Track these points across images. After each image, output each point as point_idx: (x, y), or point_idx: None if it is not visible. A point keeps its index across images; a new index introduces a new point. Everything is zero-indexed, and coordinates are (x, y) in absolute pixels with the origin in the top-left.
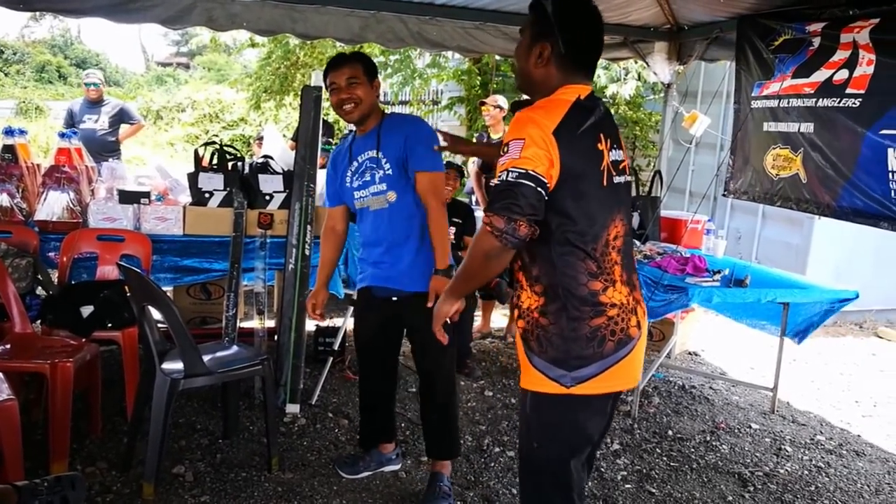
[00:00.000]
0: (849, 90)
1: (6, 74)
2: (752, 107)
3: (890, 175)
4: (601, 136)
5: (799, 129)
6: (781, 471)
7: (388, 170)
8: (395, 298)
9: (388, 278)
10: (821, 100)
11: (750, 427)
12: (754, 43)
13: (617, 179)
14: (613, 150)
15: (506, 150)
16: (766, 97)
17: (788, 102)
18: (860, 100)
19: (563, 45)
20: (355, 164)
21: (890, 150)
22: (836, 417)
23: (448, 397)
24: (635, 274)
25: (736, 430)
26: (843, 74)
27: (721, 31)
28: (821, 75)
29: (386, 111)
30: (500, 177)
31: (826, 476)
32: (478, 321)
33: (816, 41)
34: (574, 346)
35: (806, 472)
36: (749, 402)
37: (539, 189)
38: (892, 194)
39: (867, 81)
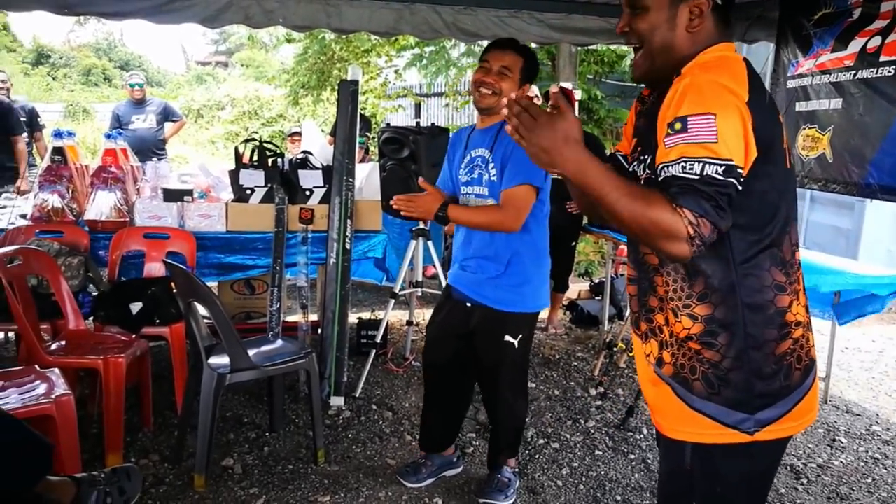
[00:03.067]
0: (882, 58)
1: (54, 79)
2: (788, 87)
3: None
4: (776, 103)
5: (829, 107)
6: (836, 462)
7: (493, 175)
8: (468, 304)
9: (467, 284)
10: (860, 72)
11: None
12: (796, 19)
13: (789, 164)
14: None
15: (681, 126)
16: (799, 76)
17: (819, 80)
18: (894, 67)
19: None
20: (468, 157)
21: None
22: (893, 407)
23: (507, 407)
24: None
25: None
26: (876, 41)
27: (763, 11)
28: (856, 45)
29: None
30: (687, 165)
31: (883, 468)
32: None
33: (857, 12)
34: (758, 381)
35: (862, 463)
36: None
37: (736, 182)
38: None
39: None
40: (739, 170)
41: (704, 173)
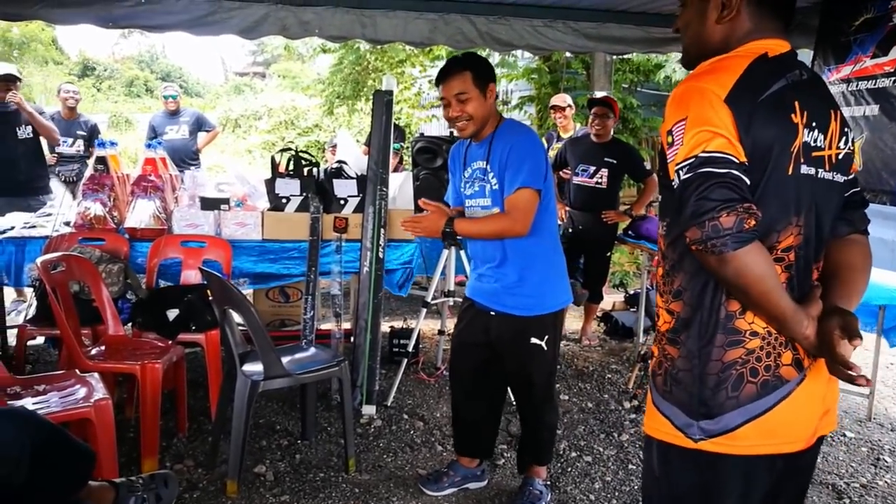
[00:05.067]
0: None
1: (99, 90)
2: None
3: None
4: (796, 104)
5: (864, 113)
6: (880, 482)
7: (494, 184)
8: (492, 313)
9: (485, 295)
10: None
11: (844, 435)
12: (836, 26)
13: (805, 170)
14: (811, 130)
15: (670, 139)
16: (834, 83)
17: (857, 86)
18: None
19: None
20: (468, 171)
21: None
22: None
23: (541, 412)
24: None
25: (829, 439)
26: None
27: (803, 18)
28: None
29: (503, 116)
30: (672, 181)
31: None
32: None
33: None
34: (702, 386)
35: None
36: (843, 409)
37: (724, 170)
38: None
39: None
40: (718, 153)
41: (680, 180)
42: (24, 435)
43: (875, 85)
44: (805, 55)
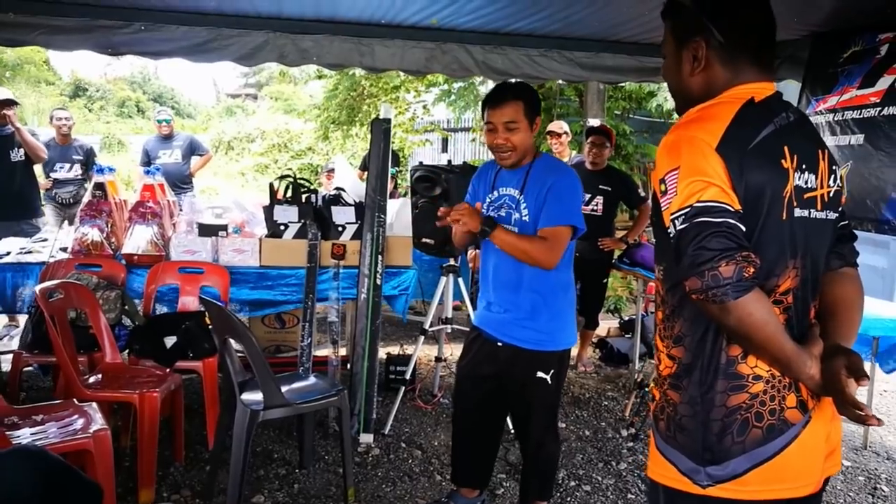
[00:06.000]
0: None
1: (90, 110)
2: None
3: None
4: (786, 149)
5: (849, 142)
6: None
7: (525, 215)
8: (499, 344)
9: (495, 325)
10: (886, 108)
11: (841, 464)
12: (825, 58)
13: (799, 213)
14: (802, 172)
15: (664, 188)
16: (820, 113)
17: (843, 116)
18: None
19: (719, 34)
20: (495, 194)
21: None
22: None
23: (541, 443)
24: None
25: None
26: None
27: (794, 50)
28: (884, 82)
29: (540, 150)
30: (668, 230)
31: None
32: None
33: (884, 49)
34: (706, 432)
35: None
36: None
37: (720, 219)
38: None
39: None
40: (712, 203)
41: (676, 230)
42: (36, 474)
43: (861, 115)
44: (794, 87)
